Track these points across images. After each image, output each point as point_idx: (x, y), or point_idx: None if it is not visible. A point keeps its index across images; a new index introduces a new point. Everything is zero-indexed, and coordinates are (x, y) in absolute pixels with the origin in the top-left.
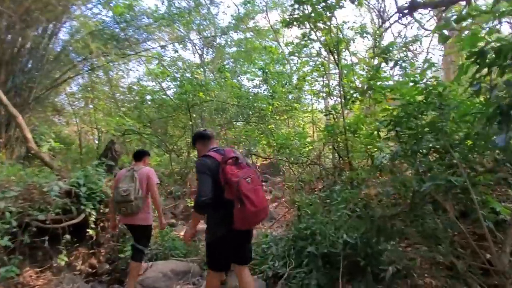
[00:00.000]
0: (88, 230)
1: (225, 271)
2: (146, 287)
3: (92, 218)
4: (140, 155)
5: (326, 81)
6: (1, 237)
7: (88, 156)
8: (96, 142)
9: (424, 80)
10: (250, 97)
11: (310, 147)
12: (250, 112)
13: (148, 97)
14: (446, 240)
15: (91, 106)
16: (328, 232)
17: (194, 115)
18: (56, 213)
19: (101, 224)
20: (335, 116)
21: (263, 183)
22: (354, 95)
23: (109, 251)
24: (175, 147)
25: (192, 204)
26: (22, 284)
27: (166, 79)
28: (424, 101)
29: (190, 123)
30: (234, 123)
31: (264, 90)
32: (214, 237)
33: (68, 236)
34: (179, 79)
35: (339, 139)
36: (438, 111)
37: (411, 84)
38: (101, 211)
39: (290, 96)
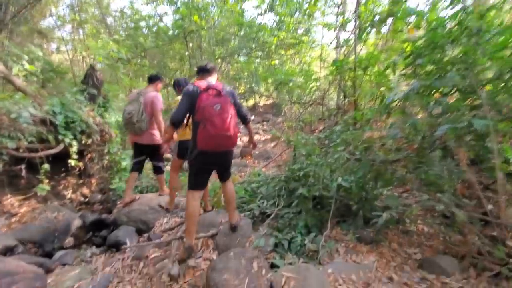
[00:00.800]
0: (70, 160)
1: (201, 189)
2: (132, 219)
3: (74, 149)
4: (152, 79)
5: (341, 10)
6: None
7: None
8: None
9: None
10: (253, 26)
11: (315, 86)
12: (254, 46)
13: (143, 23)
14: (450, 189)
15: (80, 31)
16: (322, 175)
17: (191, 45)
18: (30, 141)
19: (89, 155)
20: (345, 52)
21: (264, 122)
22: (371, 26)
23: (101, 182)
24: (171, 80)
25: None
26: (2, 211)
27: (163, 3)
28: (458, 26)
29: (187, 53)
30: (236, 57)
31: (270, 20)
32: (191, 157)
33: (46, 166)
34: (176, 1)
35: (347, 77)
36: (475, 38)
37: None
38: (83, 142)
39: (299, 30)
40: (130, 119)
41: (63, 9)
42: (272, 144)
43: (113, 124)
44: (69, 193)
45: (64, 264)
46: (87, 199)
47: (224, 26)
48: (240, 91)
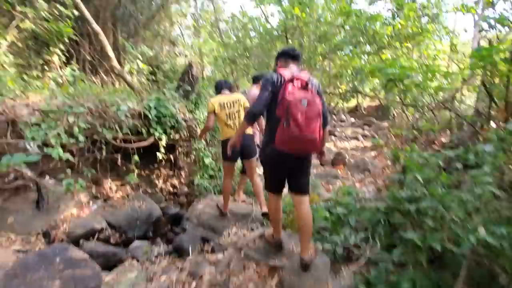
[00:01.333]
0: (158, 153)
1: (277, 192)
2: (201, 222)
3: (162, 143)
4: (256, 79)
5: None
6: (63, 150)
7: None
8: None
9: None
10: (362, 16)
11: (441, 84)
12: (361, 39)
13: (251, 26)
14: None
15: (199, 37)
16: (449, 217)
17: (291, 42)
18: (125, 133)
19: (179, 149)
20: (491, 40)
21: (366, 127)
22: None
23: (189, 175)
24: None
25: None
26: (102, 194)
27: (270, 4)
28: None
29: None
30: (339, 52)
31: (383, 9)
32: (263, 153)
33: (136, 158)
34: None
35: (495, 71)
36: None
37: None
38: (172, 136)
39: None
40: None
41: (188, 19)
42: (372, 154)
43: (201, 120)
44: (160, 183)
45: (133, 257)
46: (175, 190)
47: (328, 20)
48: (340, 90)
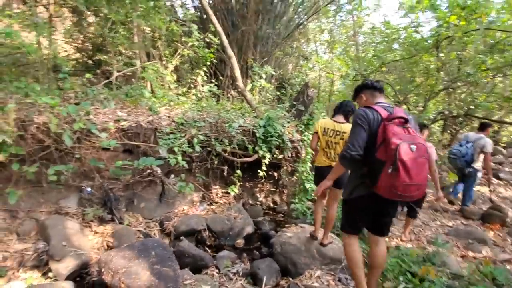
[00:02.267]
0: (259, 171)
1: (356, 234)
2: (284, 253)
3: (265, 161)
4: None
5: None
6: (183, 157)
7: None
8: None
9: None
10: None
11: None
12: None
13: (395, 37)
14: None
15: (332, 52)
16: None
17: (442, 55)
18: (233, 147)
19: (284, 167)
20: None
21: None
22: None
23: (291, 194)
24: (408, 97)
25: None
26: (209, 198)
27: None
28: None
29: (433, 66)
30: None
31: None
32: (351, 195)
33: (239, 172)
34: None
35: None
36: None
37: None
38: (275, 155)
39: None
40: None
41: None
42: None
43: (309, 143)
44: (261, 197)
45: (216, 267)
46: (275, 206)
47: (506, 24)
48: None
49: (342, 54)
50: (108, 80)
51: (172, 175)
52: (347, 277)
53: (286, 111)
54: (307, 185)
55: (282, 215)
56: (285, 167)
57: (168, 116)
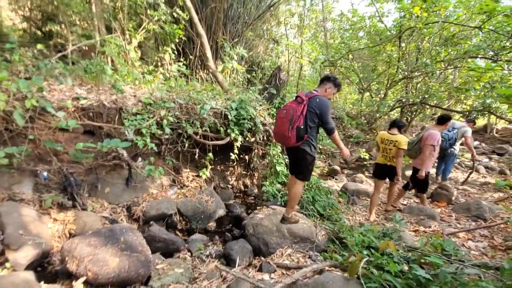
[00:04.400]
0: (231, 154)
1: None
2: (256, 234)
3: (237, 144)
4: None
5: None
6: (152, 139)
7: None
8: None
9: None
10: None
11: None
12: (505, 42)
13: (360, 25)
14: None
15: (302, 37)
16: None
17: (403, 45)
18: (205, 130)
19: (255, 150)
20: None
21: (494, 156)
22: None
23: (262, 177)
24: (371, 85)
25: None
26: (179, 181)
27: (388, 1)
28: None
29: (395, 55)
30: (469, 60)
31: None
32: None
33: (210, 155)
34: None
35: None
36: None
37: None
38: (247, 139)
39: None
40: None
41: (295, 18)
42: (495, 196)
43: None
44: (232, 180)
45: (189, 250)
46: (246, 189)
47: (461, 19)
48: (465, 107)
49: (311, 39)
50: (62, 53)
51: (140, 158)
52: (316, 254)
53: (258, 94)
54: (278, 168)
55: (253, 197)
56: (256, 151)
57: (134, 96)
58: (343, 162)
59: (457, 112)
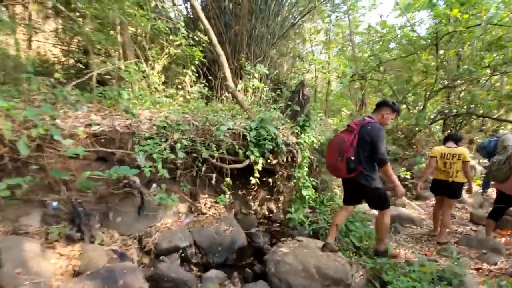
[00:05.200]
0: (251, 178)
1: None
2: (277, 274)
3: (258, 167)
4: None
5: None
6: (162, 167)
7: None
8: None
9: None
10: None
11: None
12: None
13: (391, 36)
14: None
15: (328, 52)
16: None
17: (442, 52)
18: (221, 153)
19: (280, 173)
20: None
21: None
22: None
23: (288, 201)
24: (408, 96)
25: (405, 175)
26: (197, 209)
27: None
28: None
29: (433, 63)
30: None
31: None
32: None
33: (228, 180)
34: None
35: None
36: None
37: None
38: (269, 160)
39: None
40: (490, 167)
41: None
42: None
43: (306, 146)
44: (255, 205)
45: None
46: (271, 215)
47: (506, 20)
48: None
49: (338, 53)
50: (78, 81)
51: (154, 185)
52: None
53: (281, 112)
54: (304, 192)
55: (278, 224)
56: (280, 173)
57: (150, 120)
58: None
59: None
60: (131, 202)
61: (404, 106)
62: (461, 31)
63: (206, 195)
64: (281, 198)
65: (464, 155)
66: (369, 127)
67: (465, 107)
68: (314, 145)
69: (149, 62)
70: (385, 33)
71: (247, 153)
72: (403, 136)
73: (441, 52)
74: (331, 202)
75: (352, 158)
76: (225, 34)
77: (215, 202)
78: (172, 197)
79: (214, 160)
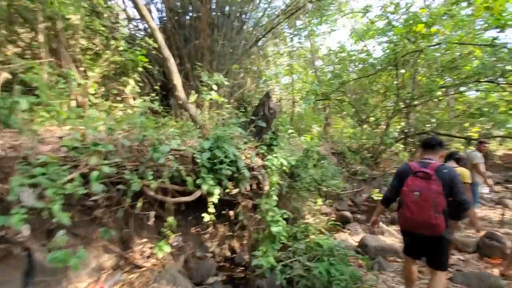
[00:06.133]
0: (204, 214)
1: (412, 258)
2: None
3: (213, 199)
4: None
5: None
6: (59, 208)
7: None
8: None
9: None
10: None
11: None
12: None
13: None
14: None
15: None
16: None
17: (403, 71)
18: (162, 182)
19: (243, 203)
20: None
21: (508, 184)
22: None
23: (254, 241)
24: (370, 116)
25: (378, 197)
26: (128, 261)
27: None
28: None
29: (396, 82)
30: (470, 86)
31: None
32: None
33: (171, 220)
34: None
35: None
36: None
37: None
38: (227, 190)
39: None
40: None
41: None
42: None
43: (275, 169)
44: (213, 245)
45: None
46: (234, 255)
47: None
48: (472, 134)
49: (301, 76)
50: None
51: (61, 231)
52: None
53: (243, 128)
54: (274, 229)
55: (243, 267)
56: (243, 204)
57: (61, 138)
58: (351, 204)
59: (472, 139)
60: (14, 265)
61: (366, 125)
62: (420, 51)
63: (145, 240)
64: (246, 234)
65: (464, 176)
66: (446, 170)
67: (427, 125)
68: (284, 167)
69: (79, 68)
70: (345, 56)
71: (198, 181)
72: (369, 155)
73: (402, 71)
74: (306, 237)
75: (446, 209)
76: (185, 49)
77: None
78: (80, 252)
79: (152, 193)
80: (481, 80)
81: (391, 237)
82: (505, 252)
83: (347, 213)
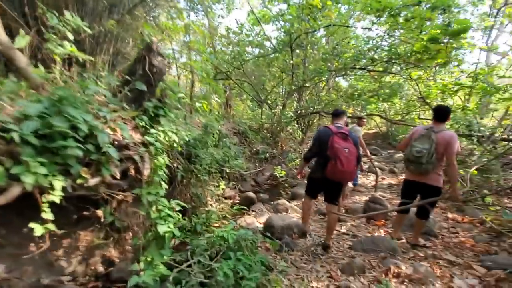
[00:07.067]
0: (31, 225)
1: (312, 198)
2: None
3: (50, 197)
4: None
5: None
6: None
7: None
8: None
9: None
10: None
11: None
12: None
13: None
14: None
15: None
16: None
17: (298, 52)
18: None
19: (120, 197)
20: None
21: (373, 156)
22: None
23: (136, 249)
24: (268, 97)
25: (280, 174)
26: None
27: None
28: None
29: (292, 62)
30: (352, 71)
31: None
32: (312, 175)
33: None
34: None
35: None
36: None
37: None
38: (81, 181)
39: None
40: (418, 159)
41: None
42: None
43: (162, 148)
44: (73, 263)
45: None
46: (111, 268)
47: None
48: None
49: (199, 54)
50: None
51: None
52: None
53: (112, 93)
54: (162, 229)
55: (124, 284)
56: (118, 198)
57: None
58: (254, 184)
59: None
60: None
61: (267, 106)
62: (313, 31)
63: None
64: (127, 237)
65: None
66: (353, 133)
67: (311, 106)
68: (177, 146)
69: None
70: (243, 36)
71: (16, 170)
72: (269, 135)
73: (297, 51)
74: (208, 228)
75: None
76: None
77: None
78: None
79: None
80: (356, 67)
81: (295, 213)
82: (388, 214)
83: (251, 194)
